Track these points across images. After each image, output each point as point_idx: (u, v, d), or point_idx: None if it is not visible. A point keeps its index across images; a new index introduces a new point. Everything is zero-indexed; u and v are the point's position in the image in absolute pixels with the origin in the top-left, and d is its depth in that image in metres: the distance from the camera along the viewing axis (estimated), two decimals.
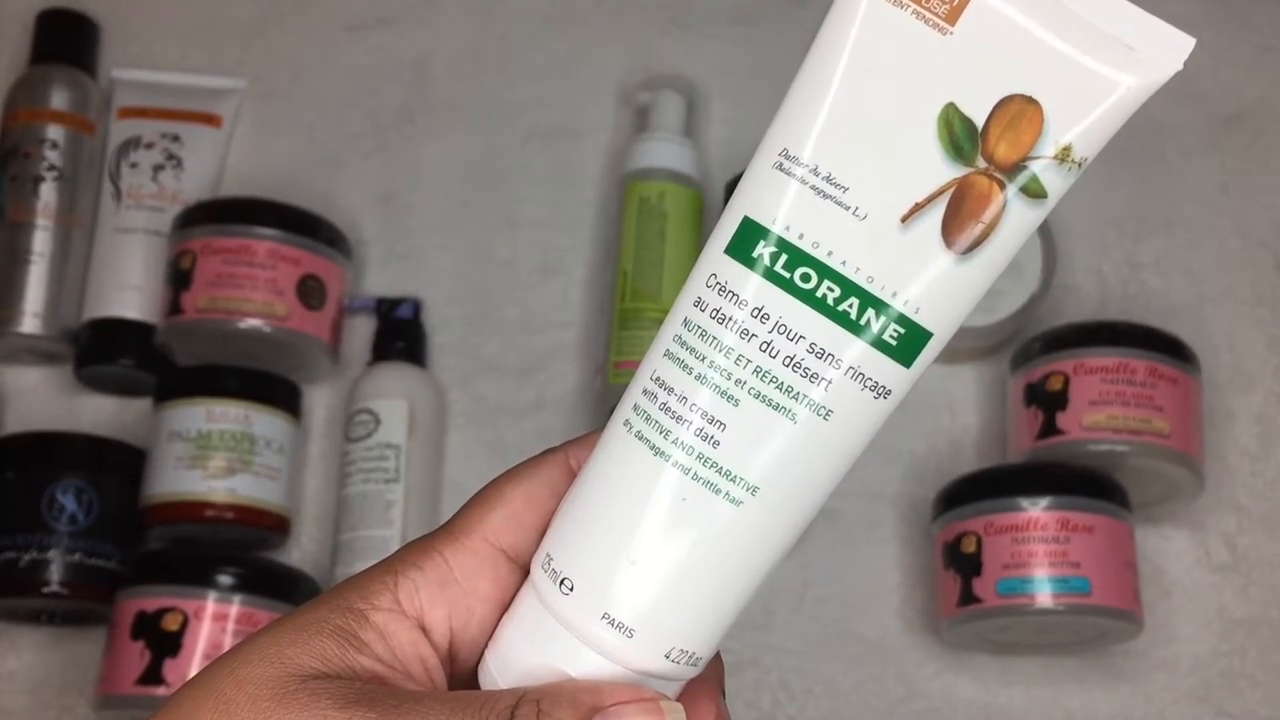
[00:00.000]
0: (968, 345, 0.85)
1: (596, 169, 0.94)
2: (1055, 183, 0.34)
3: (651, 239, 0.86)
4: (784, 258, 0.35)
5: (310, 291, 0.85)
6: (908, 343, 0.35)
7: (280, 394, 0.85)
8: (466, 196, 0.94)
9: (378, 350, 0.88)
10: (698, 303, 0.36)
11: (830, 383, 0.35)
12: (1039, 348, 0.81)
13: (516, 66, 0.96)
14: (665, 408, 0.35)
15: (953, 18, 0.34)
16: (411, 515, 0.83)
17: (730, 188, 0.88)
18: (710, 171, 0.92)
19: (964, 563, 0.77)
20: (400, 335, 0.88)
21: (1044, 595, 0.75)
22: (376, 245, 0.93)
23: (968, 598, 0.77)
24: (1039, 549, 0.75)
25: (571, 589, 0.36)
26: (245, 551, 0.83)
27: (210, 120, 0.94)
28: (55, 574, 0.80)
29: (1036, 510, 0.76)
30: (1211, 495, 0.83)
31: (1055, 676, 0.82)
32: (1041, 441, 0.80)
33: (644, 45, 0.96)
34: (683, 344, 0.36)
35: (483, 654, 0.38)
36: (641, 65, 0.95)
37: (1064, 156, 0.34)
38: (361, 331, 0.90)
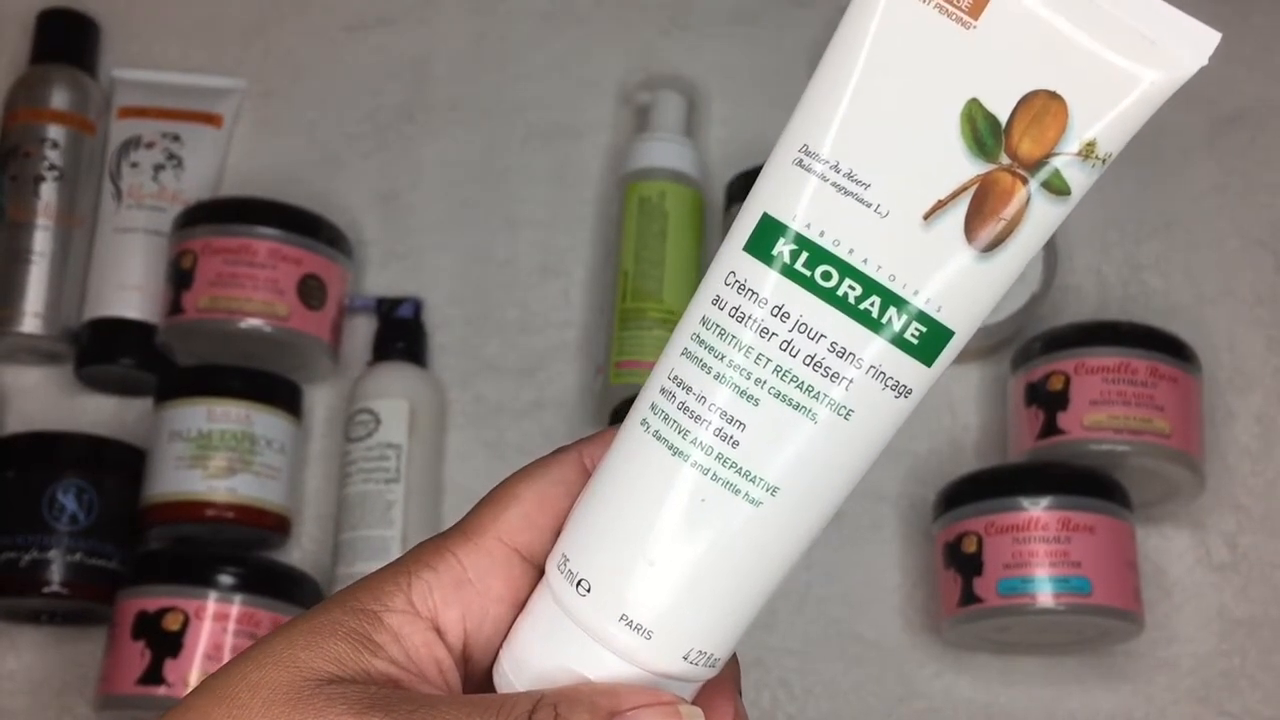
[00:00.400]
0: (969, 345, 0.85)
1: (596, 169, 0.94)
2: (1079, 179, 0.34)
3: (652, 239, 0.86)
4: (804, 255, 0.34)
5: (311, 291, 0.85)
6: (929, 341, 0.34)
7: (281, 394, 0.85)
8: (466, 196, 0.94)
9: (378, 350, 0.88)
10: (716, 301, 0.35)
11: (851, 382, 0.34)
12: (1039, 347, 0.81)
13: (516, 66, 0.96)
14: (683, 407, 0.35)
15: (976, 11, 0.34)
16: (412, 515, 0.83)
17: (731, 187, 0.88)
18: (711, 171, 0.92)
19: (965, 562, 0.77)
20: (401, 335, 0.88)
21: (1045, 595, 0.75)
22: (376, 245, 0.93)
23: (968, 597, 0.77)
24: (1040, 549, 0.75)
25: (589, 590, 0.36)
26: (246, 551, 0.83)
27: (210, 120, 0.94)
28: (56, 574, 0.80)
29: (1037, 510, 0.76)
30: (1212, 495, 0.83)
31: (1056, 676, 0.82)
32: (1042, 441, 0.80)
33: (644, 45, 0.96)
34: (701, 342, 0.35)
35: (498, 655, 0.37)
36: (641, 65, 0.95)
37: (1088, 153, 0.34)
38: (362, 331, 0.90)
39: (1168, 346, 0.80)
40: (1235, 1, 0.94)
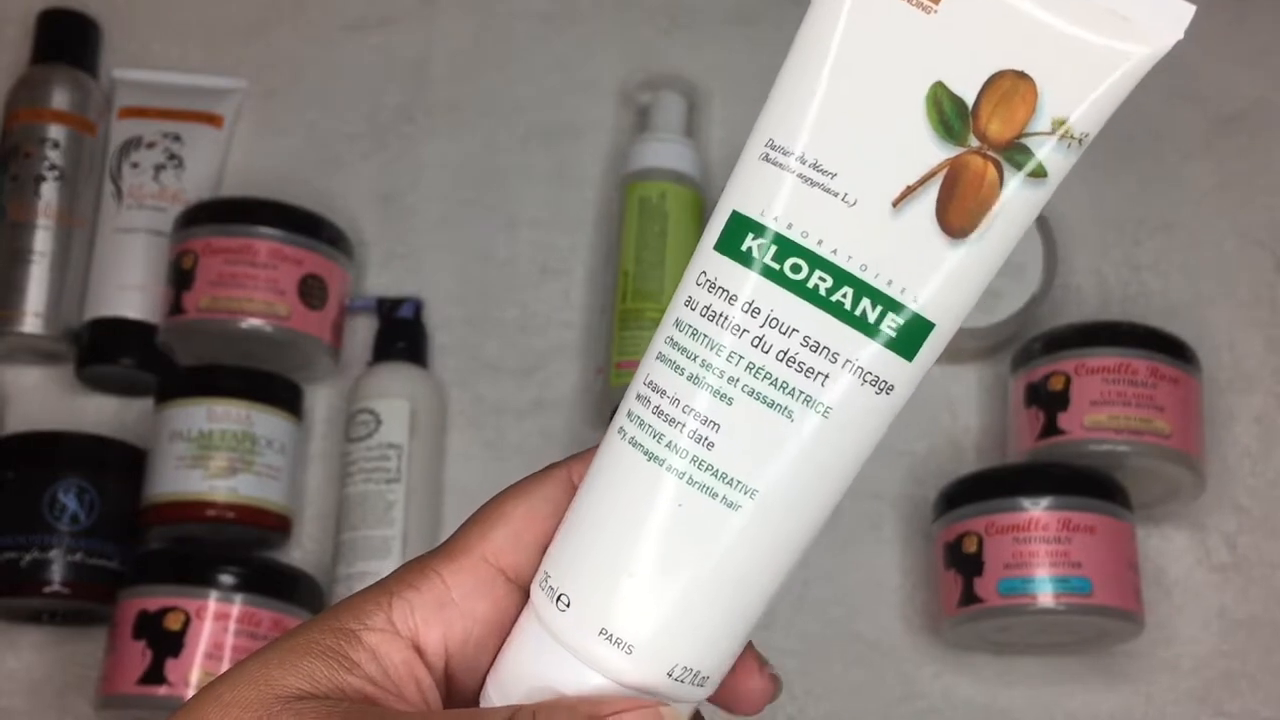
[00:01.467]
0: (969, 346, 0.85)
1: (596, 169, 0.94)
2: (1055, 160, 0.33)
3: (652, 239, 0.86)
4: (774, 249, 0.34)
5: (311, 291, 0.85)
6: (908, 334, 0.33)
7: (281, 394, 0.85)
8: (466, 196, 0.94)
9: (379, 350, 0.88)
10: (689, 302, 0.35)
11: (828, 378, 0.33)
12: (1040, 348, 0.81)
13: (516, 66, 0.96)
14: (659, 411, 0.34)
15: None
16: (412, 515, 0.83)
17: None
18: (711, 171, 0.92)
19: (965, 563, 0.77)
20: (401, 335, 0.88)
21: (1045, 595, 0.75)
22: (377, 245, 0.93)
23: (969, 598, 0.77)
24: (1040, 549, 0.75)
25: (568, 605, 0.35)
26: (246, 551, 0.83)
27: (211, 120, 0.94)
28: (56, 574, 0.80)
29: (1038, 510, 0.76)
30: (1212, 495, 0.83)
31: (1056, 676, 0.82)
32: (1042, 441, 0.80)
33: (644, 45, 0.96)
34: (675, 345, 0.35)
35: (484, 679, 0.37)
36: (641, 65, 0.95)
37: (1063, 132, 0.33)
38: (363, 331, 0.90)
39: (1168, 347, 0.80)
40: (1234, 3, 0.94)
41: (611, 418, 0.84)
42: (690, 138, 0.91)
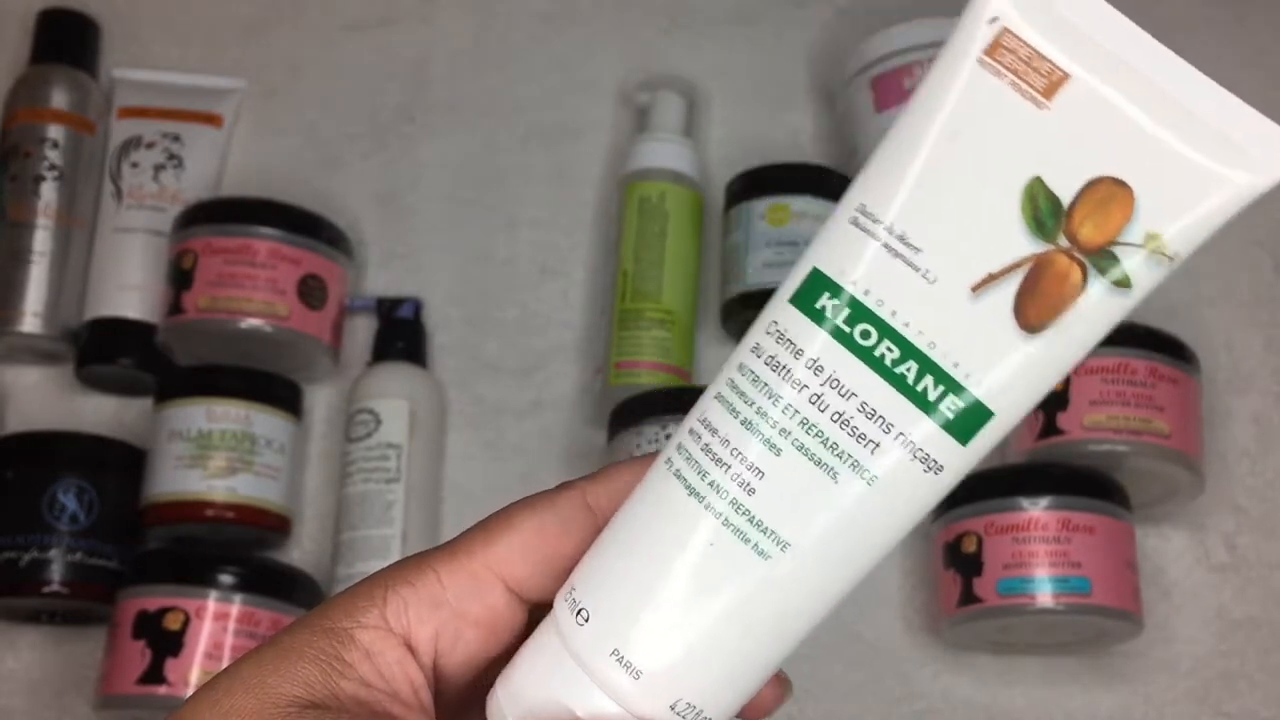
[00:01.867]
0: None
1: (596, 169, 0.94)
2: (1142, 274, 0.33)
3: (652, 239, 0.86)
4: (847, 312, 0.34)
5: (311, 291, 0.85)
6: (966, 418, 0.34)
7: (281, 394, 0.85)
8: (466, 196, 0.94)
9: (378, 350, 0.88)
10: (755, 349, 0.35)
11: (878, 446, 0.33)
12: None
13: (516, 66, 0.96)
14: (708, 450, 0.35)
15: (1050, 93, 0.33)
16: (412, 515, 0.83)
17: (731, 188, 0.88)
18: (710, 172, 0.92)
19: (964, 563, 0.77)
20: (401, 335, 0.88)
21: (1044, 595, 0.75)
22: (376, 245, 0.93)
23: (968, 598, 0.77)
24: (1039, 549, 0.75)
25: (587, 620, 0.35)
26: (246, 551, 0.83)
27: (211, 120, 0.94)
28: (56, 573, 0.80)
29: (1037, 510, 0.76)
30: (1211, 495, 0.83)
31: (1055, 676, 0.82)
32: (1042, 441, 0.80)
33: (644, 45, 0.96)
34: (734, 388, 0.35)
35: (494, 684, 0.37)
36: (641, 65, 0.95)
37: (1153, 246, 0.33)
38: (362, 331, 0.90)
39: (1167, 347, 0.80)
40: (1233, 3, 0.94)
41: (614, 415, 0.84)
42: (689, 138, 0.91)
